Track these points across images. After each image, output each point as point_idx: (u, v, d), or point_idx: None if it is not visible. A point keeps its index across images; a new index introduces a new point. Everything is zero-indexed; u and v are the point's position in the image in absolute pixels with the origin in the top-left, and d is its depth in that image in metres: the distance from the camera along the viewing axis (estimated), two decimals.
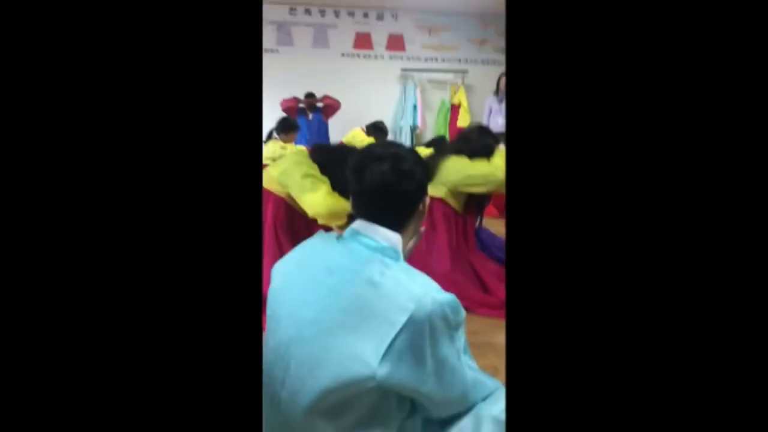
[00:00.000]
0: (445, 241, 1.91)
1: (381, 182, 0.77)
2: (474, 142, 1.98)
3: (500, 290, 1.91)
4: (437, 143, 3.35)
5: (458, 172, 1.90)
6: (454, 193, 1.94)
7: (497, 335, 1.70)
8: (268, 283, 0.85)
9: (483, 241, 2.25)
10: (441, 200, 1.94)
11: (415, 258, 0.88)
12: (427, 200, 0.85)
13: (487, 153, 1.95)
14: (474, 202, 2.04)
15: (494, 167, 1.89)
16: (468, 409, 0.82)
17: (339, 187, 1.63)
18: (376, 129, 3.68)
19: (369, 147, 0.87)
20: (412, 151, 0.85)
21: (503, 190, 1.88)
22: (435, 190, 1.91)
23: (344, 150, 1.82)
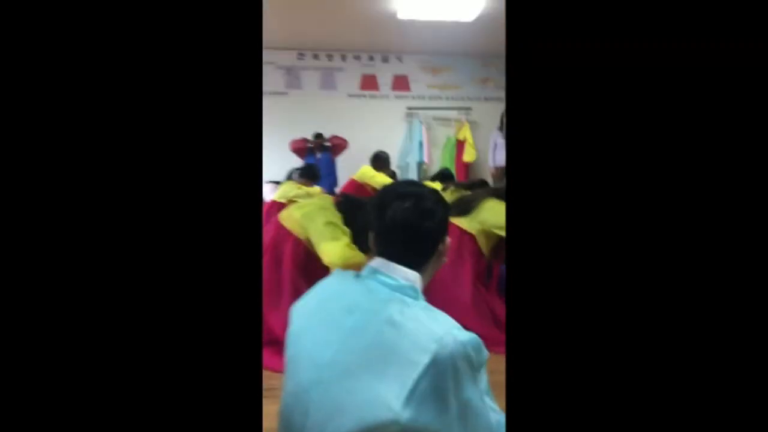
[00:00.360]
0: (469, 275, 1.92)
1: (402, 220, 0.77)
2: None
3: None
4: (443, 176, 3.37)
5: (496, 215, 1.93)
6: (487, 233, 1.97)
7: None
8: (286, 325, 0.85)
9: (501, 275, 2.25)
10: (472, 237, 1.96)
11: (437, 287, 0.89)
12: (448, 241, 0.85)
13: None
14: (502, 249, 2.06)
15: None
16: None
17: (359, 240, 1.63)
18: (377, 159, 3.73)
19: (391, 185, 0.89)
20: (433, 190, 0.85)
21: None
22: (469, 225, 1.94)
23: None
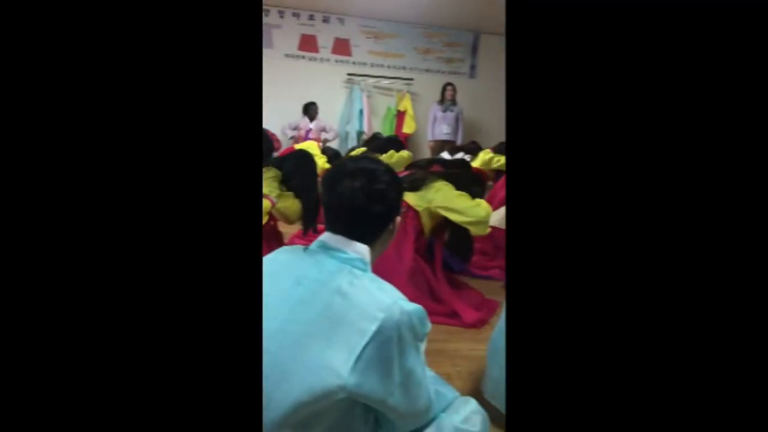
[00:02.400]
0: (410, 250, 1.94)
1: (350, 201, 0.76)
2: (463, 182, 2.05)
3: (453, 301, 1.93)
4: (372, 141, 3.35)
5: (444, 196, 1.94)
6: (431, 213, 1.97)
7: (448, 342, 1.71)
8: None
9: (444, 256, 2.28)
10: (417, 214, 1.96)
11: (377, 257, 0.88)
12: (398, 219, 0.84)
13: (473, 195, 2.01)
14: (442, 230, 2.07)
15: (476, 203, 1.95)
16: (429, 422, 0.81)
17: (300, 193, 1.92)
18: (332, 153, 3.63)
19: (344, 161, 0.86)
20: (388, 169, 0.82)
21: (482, 231, 1.92)
22: (416, 202, 1.95)
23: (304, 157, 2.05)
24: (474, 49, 5.66)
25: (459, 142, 4.97)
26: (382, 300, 0.69)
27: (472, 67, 5.71)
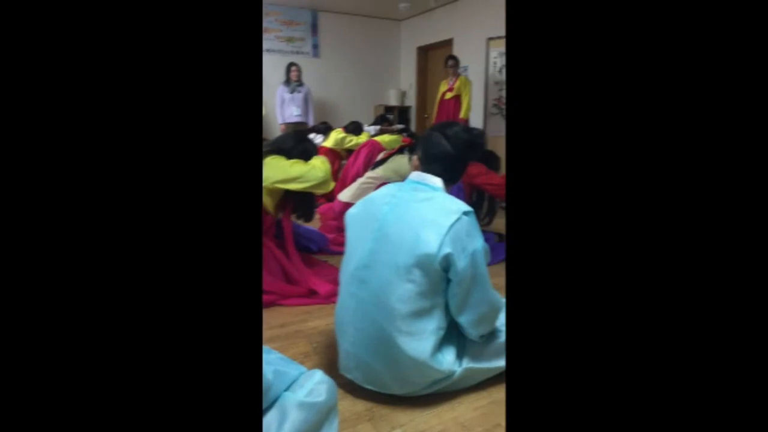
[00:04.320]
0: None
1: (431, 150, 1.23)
2: (292, 148, 2.00)
3: (308, 278, 1.91)
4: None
5: (278, 170, 1.86)
6: (271, 191, 1.88)
7: (306, 322, 1.69)
8: None
9: (296, 231, 2.23)
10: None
11: None
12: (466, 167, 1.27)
13: (305, 157, 1.98)
14: (287, 205, 2.00)
15: (311, 166, 1.91)
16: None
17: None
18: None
19: (436, 126, 1.29)
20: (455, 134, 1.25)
21: (326, 189, 1.94)
22: None
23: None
24: (314, 28, 5.59)
25: (311, 123, 4.91)
26: (456, 203, 1.10)
27: (315, 47, 5.65)
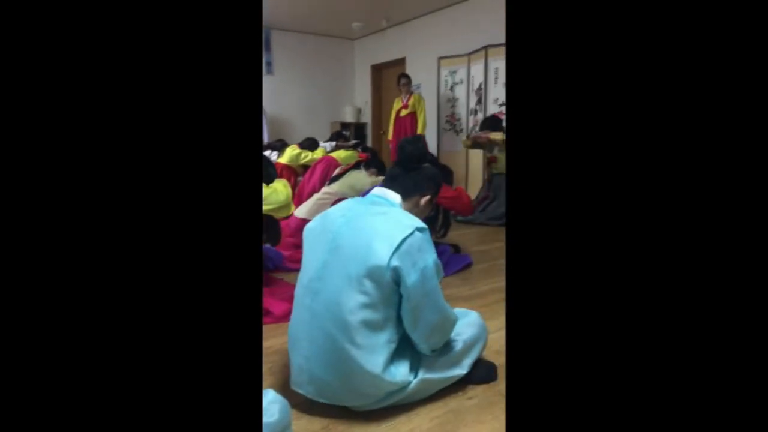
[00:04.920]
0: None
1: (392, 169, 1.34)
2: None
3: (263, 299, 1.87)
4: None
5: None
6: None
7: (264, 341, 1.65)
8: None
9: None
10: None
11: None
12: (426, 198, 1.31)
13: (267, 180, 2.00)
14: None
15: (273, 189, 1.92)
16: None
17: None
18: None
19: (401, 143, 1.76)
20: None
21: (286, 213, 1.97)
22: None
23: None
24: (267, 45, 5.58)
25: (266, 140, 4.86)
26: (411, 218, 1.13)
27: (268, 63, 5.63)
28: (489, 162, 4.09)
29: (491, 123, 4.04)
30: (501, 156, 3.92)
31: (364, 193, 1.27)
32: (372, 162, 3.24)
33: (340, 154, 3.90)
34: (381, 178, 3.49)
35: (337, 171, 3.25)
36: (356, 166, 3.10)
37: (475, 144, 4.10)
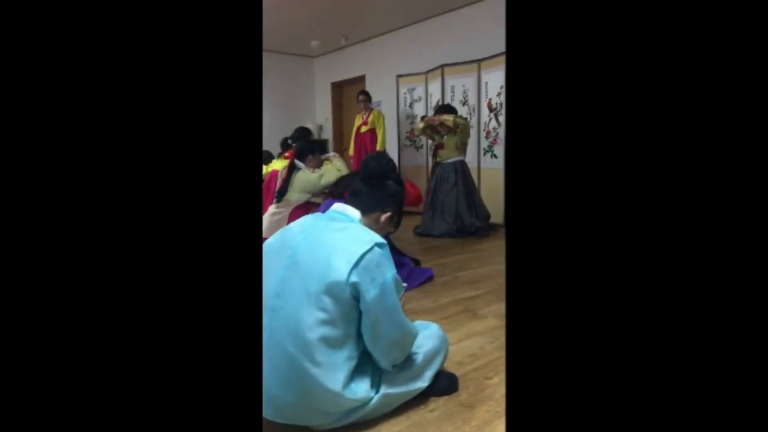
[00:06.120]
0: None
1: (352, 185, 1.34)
2: None
3: None
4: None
5: None
6: None
7: None
8: None
9: None
10: None
11: None
12: (385, 216, 1.30)
13: None
14: None
15: None
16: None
17: None
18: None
19: (365, 159, 1.63)
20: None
21: None
22: None
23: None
24: None
25: None
26: (370, 234, 1.14)
27: None
28: (435, 149, 4.16)
29: (445, 109, 4.12)
30: (449, 141, 3.99)
31: (323, 209, 1.26)
32: (303, 151, 2.97)
33: (278, 165, 3.71)
34: (327, 157, 3.22)
35: (278, 184, 3.02)
36: (292, 169, 2.91)
37: (427, 126, 4.15)
